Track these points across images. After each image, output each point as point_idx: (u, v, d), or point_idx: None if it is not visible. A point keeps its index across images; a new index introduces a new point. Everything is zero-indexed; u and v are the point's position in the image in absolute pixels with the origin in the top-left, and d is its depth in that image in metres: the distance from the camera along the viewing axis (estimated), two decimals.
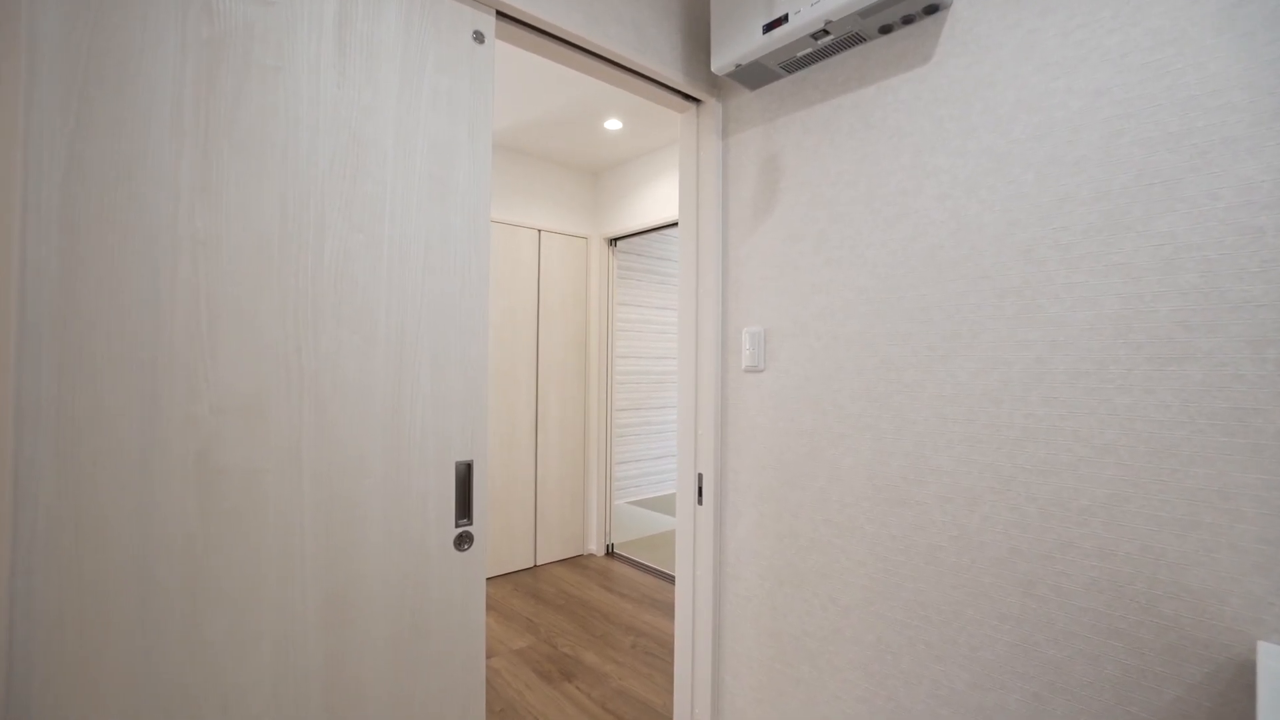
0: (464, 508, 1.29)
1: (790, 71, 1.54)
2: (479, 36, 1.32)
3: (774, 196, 1.62)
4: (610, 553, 3.96)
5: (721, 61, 1.52)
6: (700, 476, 1.77)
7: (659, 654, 2.61)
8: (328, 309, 1.11)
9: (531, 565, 3.69)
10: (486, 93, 1.33)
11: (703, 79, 1.74)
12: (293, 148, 1.08)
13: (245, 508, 1.02)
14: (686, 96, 1.78)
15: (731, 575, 1.70)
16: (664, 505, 5.31)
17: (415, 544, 1.22)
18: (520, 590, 3.32)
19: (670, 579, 3.52)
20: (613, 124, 3.19)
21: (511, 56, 2.54)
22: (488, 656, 2.55)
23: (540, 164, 3.76)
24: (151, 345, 0.94)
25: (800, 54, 1.44)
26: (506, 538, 3.58)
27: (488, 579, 3.49)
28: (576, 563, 3.77)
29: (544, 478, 3.75)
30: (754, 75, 1.56)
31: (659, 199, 3.55)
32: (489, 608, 3.06)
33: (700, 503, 1.77)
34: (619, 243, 4.04)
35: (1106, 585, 1.03)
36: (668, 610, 3.06)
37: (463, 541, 1.29)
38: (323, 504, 1.10)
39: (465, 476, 1.29)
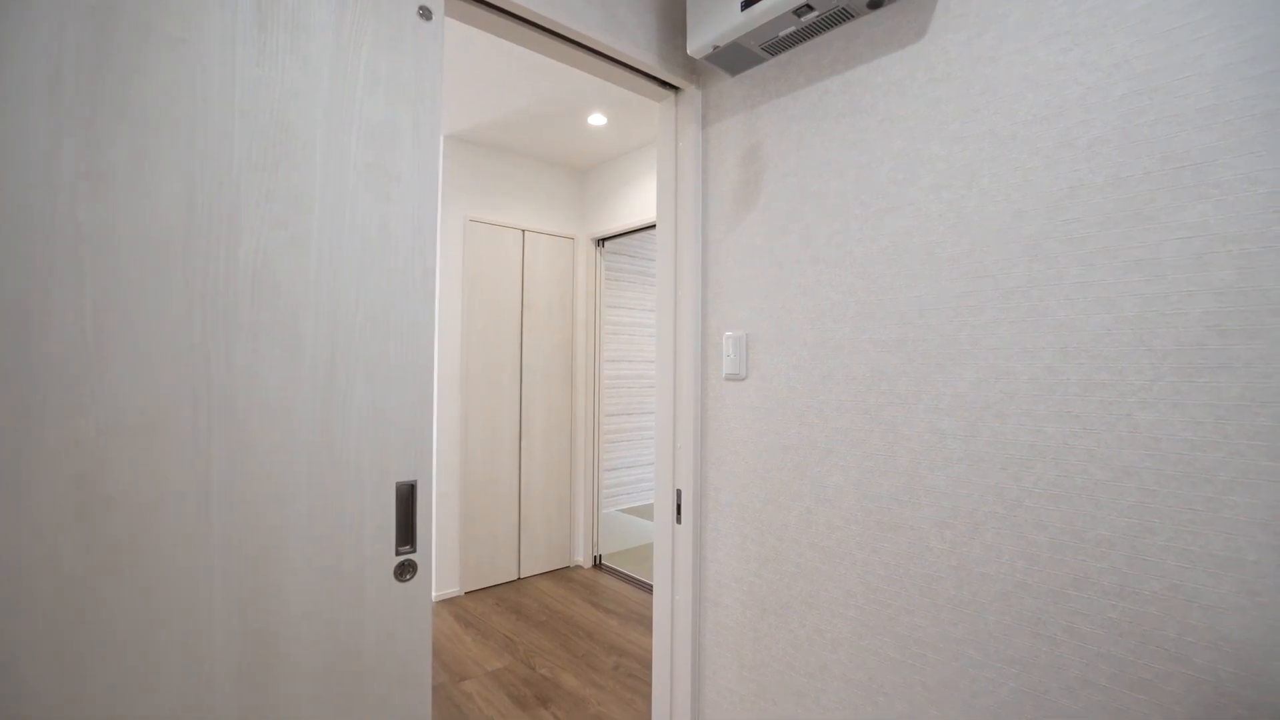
0: (406, 533, 1.16)
1: (773, 54, 1.41)
2: (425, 12, 1.19)
3: (756, 189, 1.49)
4: (598, 564, 3.82)
5: (698, 43, 1.39)
6: (679, 493, 1.64)
7: (642, 676, 2.47)
8: (244, 316, 0.98)
9: (515, 578, 3.56)
10: (434, 74, 1.20)
11: (680, 64, 1.61)
12: (201, 131, 0.95)
13: (138, 541, 0.89)
14: (663, 83, 1.66)
15: (712, 601, 1.57)
16: (654, 513, 5.18)
17: (349, 577, 1.09)
18: (502, 605, 3.18)
19: None
20: (596, 119, 3.07)
21: (486, 46, 2.42)
22: (461, 680, 2.42)
23: (523, 161, 3.63)
24: (21, 353, 0.81)
25: (783, 33, 1.31)
26: (488, 550, 3.44)
27: (467, 592, 3.35)
28: (562, 575, 3.64)
29: (529, 487, 3.62)
30: (734, 58, 1.43)
31: (647, 198, 3.43)
32: (466, 625, 2.92)
33: (679, 522, 1.64)
34: (607, 243, 3.92)
35: (1129, 629, 0.90)
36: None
37: (404, 571, 1.16)
38: (236, 536, 0.97)
39: (407, 499, 1.16)
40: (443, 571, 3.27)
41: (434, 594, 3.25)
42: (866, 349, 1.25)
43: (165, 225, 0.92)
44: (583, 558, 3.79)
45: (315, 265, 1.05)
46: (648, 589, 3.43)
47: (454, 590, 3.31)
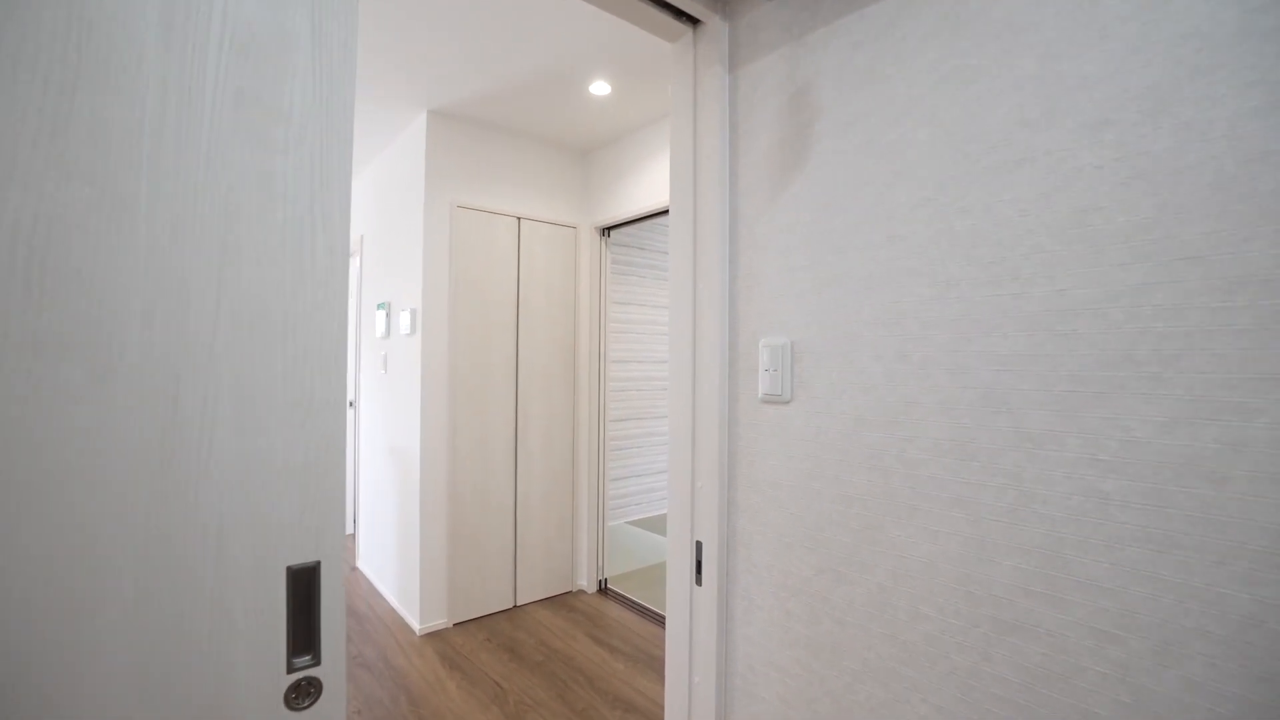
0: (304, 638, 0.79)
1: None
2: None
3: (804, 148, 1.11)
4: (603, 589, 3.46)
5: None
6: (699, 547, 1.26)
7: None
8: (12, 319, 0.62)
9: (510, 606, 3.20)
10: None
11: None
12: None
13: None
14: (678, 13, 1.27)
15: (743, 692, 1.19)
16: (666, 526, 4.81)
17: (206, 712, 0.72)
18: (494, 640, 2.82)
19: None
20: (600, 87, 2.68)
21: (469, 3, 2.04)
22: None
23: (518, 141, 3.25)
24: None
25: None
26: (480, 575, 3.09)
27: (455, 624, 3.00)
28: (563, 603, 3.27)
29: (525, 502, 3.26)
30: None
31: (658, 181, 3.04)
32: (452, 666, 2.57)
33: (699, 583, 1.26)
34: (612, 233, 3.54)
35: None
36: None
37: (302, 696, 0.79)
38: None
39: (306, 589, 0.79)
40: (428, 601, 2.91)
41: (418, 627, 2.90)
42: (975, 366, 0.87)
43: None
44: (586, 582, 3.43)
45: (146, 243, 0.68)
46: (659, 620, 3.05)
47: (440, 622, 2.95)
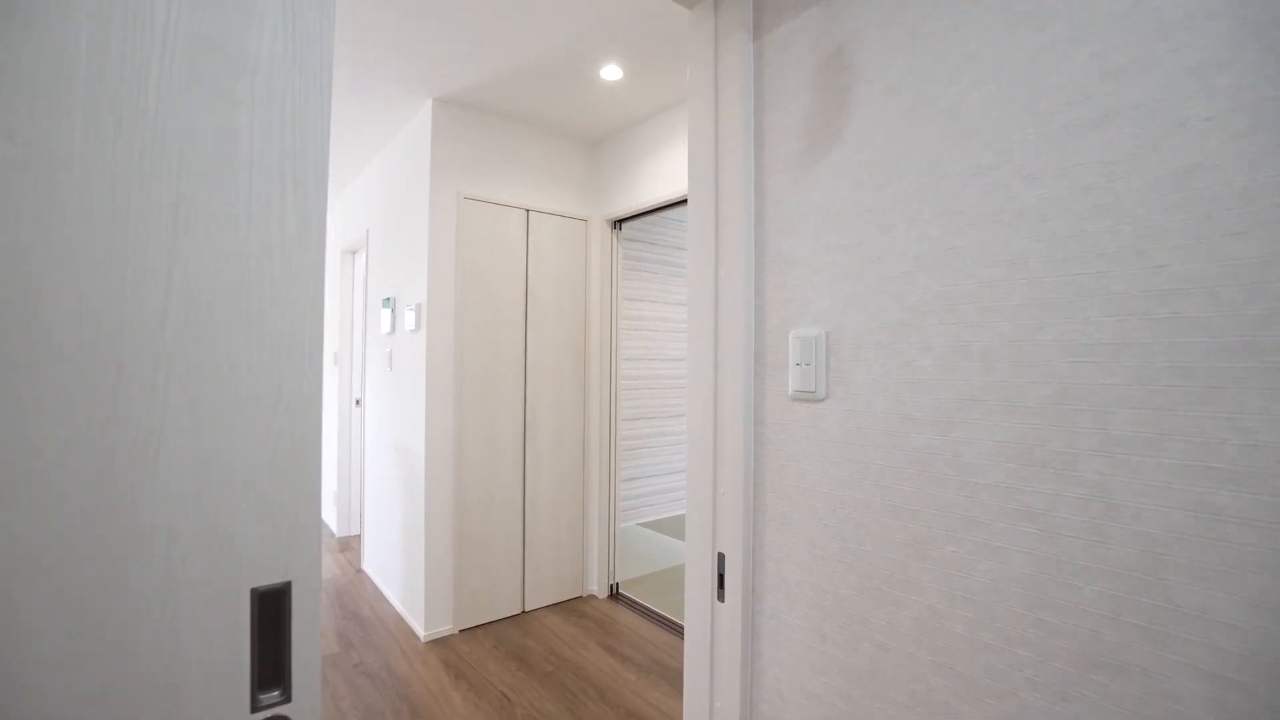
0: (271, 671, 0.69)
1: None
2: None
3: (841, 115, 0.99)
4: (614, 594, 3.35)
5: None
6: (720, 559, 1.15)
7: None
8: None
9: (519, 611, 3.10)
10: None
11: None
12: None
13: None
14: None
15: None
16: (680, 527, 4.69)
17: None
18: (502, 648, 2.72)
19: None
20: (611, 72, 2.57)
21: None
22: None
23: (526, 130, 3.15)
24: None
25: None
26: (488, 579, 2.99)
27: (462, 630, 2.90)
28: (573, 608, 3.17)
29: (534, 504, 3.16)
30: None
31: (671, 172, 2.93)
32: (457, 676, 2.47)
33: (720, 599, 1.15)
34: (625, 226, 3.43)
35: None
36: (680, 682, 2.44)
37: None
38: None
39: (274, 614, 0.69)
40: (433, 607, 2.82)
41: (423, 633, 2.80)
42: (1047, 358, 0.75)
43: None
44: (597, 586, 3.32)
45: (80, 208, 0.58)
46: (672, 629, 2.94)
47: (446, 628, 2.86)
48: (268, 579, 0.68)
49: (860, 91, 0.97)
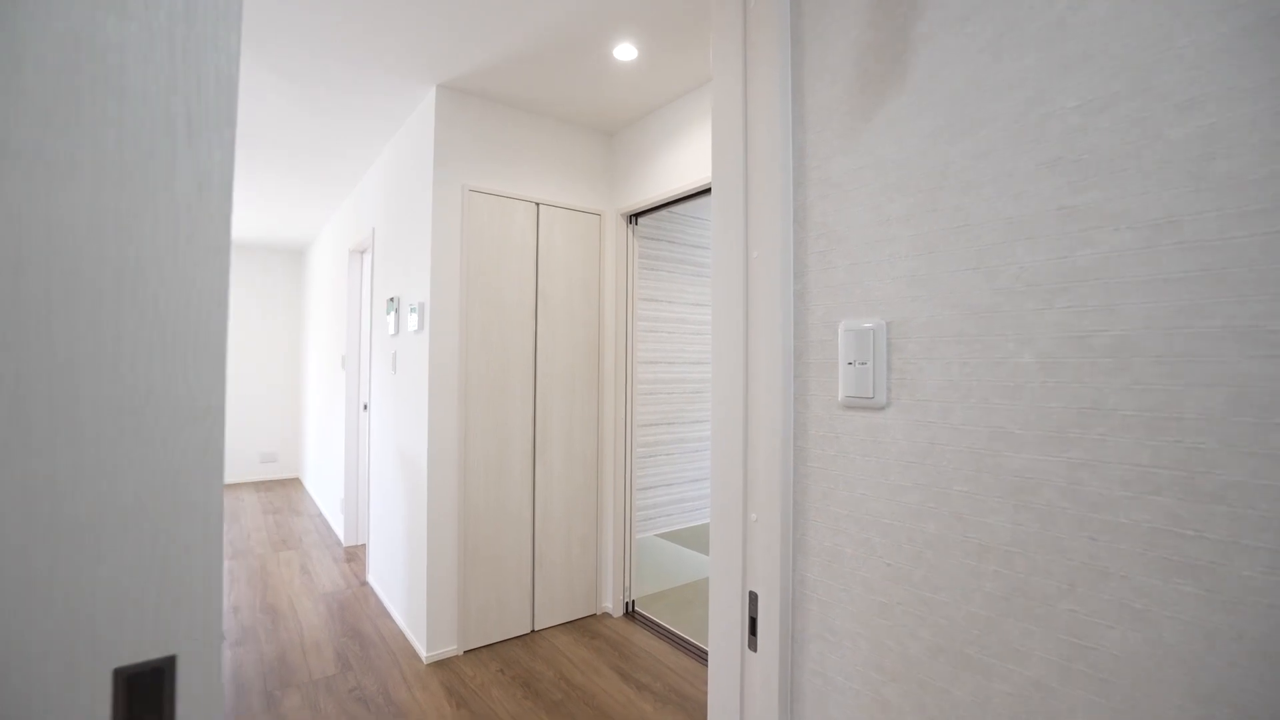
0: None
1: None
2: None
3: (906, 49, 0.79)
4: (630, 613, 3.15)
5: None
6: (752, 599, 0.95)
7: None
8: None
9: (528, 631, 2.91)
10: None
11: None
12: None
13: None
14: None
15: None
16: (700, 539, 4.48)
17: None
18: (508, 672, 2.54)
19: (706, 658, 2.69)
20: (625, 51, 2.39)
21: None
22: None
23: (535, 120, 2.98)
24: None
25: None
26: (494, 596, 2.81)
27: (467, 651, 2.72)
28: (586, 628, 2.97)
29: (545, 515, 2.97)
30: None
31: (691, 160, 2.74)
32: (459, 703, 2.28)
33: (753, 647, 0.95)
34: (641, 221, 3.24)
35: None
36: (702, 715, 2.23)
37: None
38: None
39: (150, 701, 0.50)
40: (436, 626, 2.64)
41: (425, 654, 2.63)
42: (1217, 352, 0.54)
43: None
44: (611, 604, 3.13)
45: None
46: (693, 653, 2.74)
47: (450, 649, 2.68)
48: (137, 654, 0.50)
49: (925, 25, 0.77)
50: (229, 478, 6.47)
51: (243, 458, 6.53)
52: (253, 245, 6.56)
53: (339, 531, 4.46)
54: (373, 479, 3.54)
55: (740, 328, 0.97)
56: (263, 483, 6.47)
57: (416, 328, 2.77)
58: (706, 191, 2.72)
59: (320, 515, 5.10)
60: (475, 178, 2.78)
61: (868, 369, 0.82)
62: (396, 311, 3.09)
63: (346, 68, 2.57)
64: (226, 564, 3.90)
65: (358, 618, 3.09)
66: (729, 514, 0.98)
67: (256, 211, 5.09)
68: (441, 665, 2.59)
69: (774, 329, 0.92)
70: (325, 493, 5.10)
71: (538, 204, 2.96)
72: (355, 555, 4.07)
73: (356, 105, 2.91)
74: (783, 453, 0.90)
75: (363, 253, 4.36)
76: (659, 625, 2.95)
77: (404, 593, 2.93)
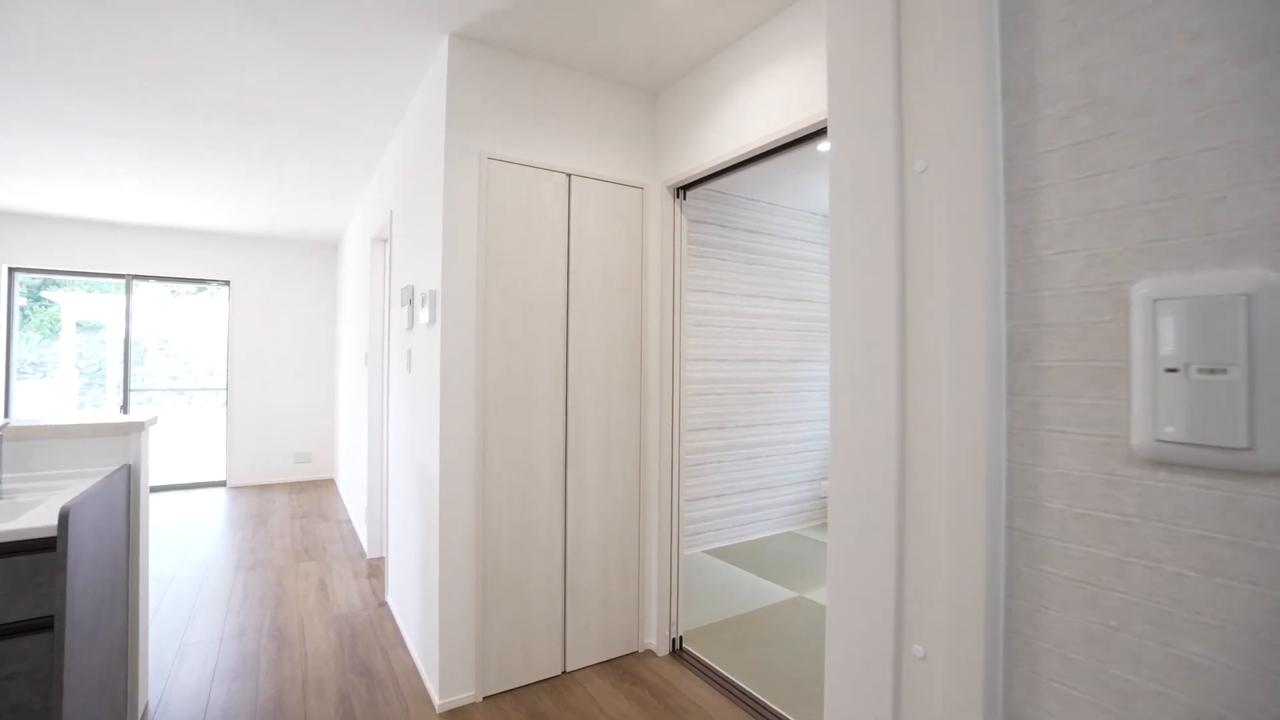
0: None
1: None
2: None
3: None
4: (677, 651, 2.72)
5: None
6: None
7: None
8: None
9: (559, 672, 2.51)
10: None
11: None
12: None
13: None
14: None
15: None
16: (756, 557, 4.01)
17: None
18: None
19: (767, 715, 2.24)
20: None
21: None
22: None
23: (566, 75, 2.57)
24: None
25: None
26: (519, 633, 2.42)
27: (486, 697, 2.34)
28: (626, 669, 2.56)
29: (578, 536, 2.57)
30: None
31: (753, 113, 2.27)
32: None
33: None
34: (690, 195, 2.79)
35: None
36: None
37: None
38: None
39: None
40: (450, 668, 2.27)
41: (438, 701, 2.26)
42: None
43: None
44: (656, 640, 2.70)
45: None
46: (751, 707, 2.29)
47: (467, 695, 2.30)
48: None
49: None
50: (264, 478, 6.31)
51: (278, 457, 6.37)
52: (286, 239, 6.38)
53: (364, 541, 4.17)
54: (390, 489, 3.21)
55: (892, 301, 0.52)
56: (296, 484, 6.29)
57: (428, 320, 2.40)
58: (773, 152, 2.25)
59: (348, 521, 4.84)
60: (495, 145, 2.39)
61: (1222, 382, 0.37)
62: (410, 303, 2.74)
63: (352, 26, 2.21)
64: (242, 577, 3.63)
65: (370, 648, 2.75)
66: (868, 643, 0.54)
67: (287, 203, 4.85)
68: (455, 714, 2.22)
69: (965, 300, 0.47)
70: (354, 498, 4.84)
71: (569, 175, 2.54)
72: (377, 569, 3.76)
73: (367, 67, 2.56)
74: (981, 549, 0.46)
75: (384, 241, 4.04)
76: (712, 671, 2.51)
77: (419, 621, 2.57)
